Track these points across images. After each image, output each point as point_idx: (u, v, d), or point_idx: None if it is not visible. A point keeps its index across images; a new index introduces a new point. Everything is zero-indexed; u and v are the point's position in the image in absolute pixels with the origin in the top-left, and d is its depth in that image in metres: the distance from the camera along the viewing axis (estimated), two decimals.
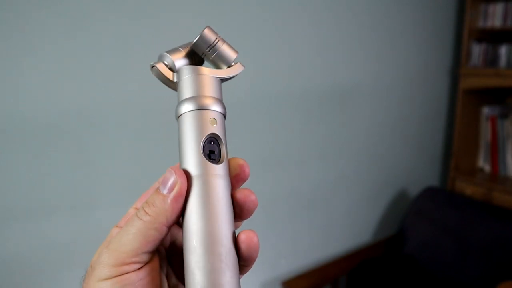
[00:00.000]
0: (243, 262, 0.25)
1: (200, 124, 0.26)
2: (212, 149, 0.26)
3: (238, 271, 0.24)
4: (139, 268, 0.23)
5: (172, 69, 0.28)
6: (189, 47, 0.29)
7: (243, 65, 0.30)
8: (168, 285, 0.27)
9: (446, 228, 1.51)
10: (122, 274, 0.22)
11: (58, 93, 0.93)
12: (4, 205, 0.91)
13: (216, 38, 0.28)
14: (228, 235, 0.24)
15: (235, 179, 0.27)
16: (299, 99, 1.35)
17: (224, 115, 0.28)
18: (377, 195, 1.71)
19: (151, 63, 0.29)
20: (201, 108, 0.26)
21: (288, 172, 1.38)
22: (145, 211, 0.23)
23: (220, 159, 0.26)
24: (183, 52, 0.29)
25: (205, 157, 0.25)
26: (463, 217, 1.49)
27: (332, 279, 1.49)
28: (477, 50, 1.70)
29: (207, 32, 0.28)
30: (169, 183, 0.24)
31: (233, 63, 0.29)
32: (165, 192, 0.24)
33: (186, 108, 0.26)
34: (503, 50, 1.65)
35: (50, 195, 0.96)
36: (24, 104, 0.90)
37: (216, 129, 0.26)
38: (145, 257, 0.23)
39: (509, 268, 1.31)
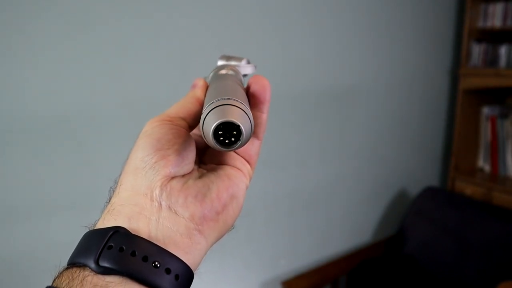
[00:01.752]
0: (254, 98, 0.32)
1: (219, 70, 0.36)
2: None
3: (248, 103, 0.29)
4: (175, 125, 0.31)
5: None
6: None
7: (253, 65, 0.41)
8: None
9: (446, 228, 1.51)
10: (164, 124, 0.31)
11: (58, 93, 0.93)
12: (4, 205, 0.91)
13: (227, 61, 0.39)
14: (240, 89, 0.30)
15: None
16: (299, 99, 1.35)
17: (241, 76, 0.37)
18: (377, 195, 1.71)
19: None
20: (221, 68, 0.37)
21: (288, 172, 1.38)
22: (184, 98, 0.34)
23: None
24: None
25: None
26: (463, 217, 1.49)
27: (332, 279, 1.49)
28: (477, 50, 1.71)
29: (221, 56, 0.40)
30: (196, 83, 0.35)
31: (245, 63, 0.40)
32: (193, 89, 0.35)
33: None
34: (503, 50, 1.66)
35: (50, 195, 0.96)
36: (24, 104, 0.90)
37: (231, 71, 0.36)
38: (181, 122, 0.32)
39: (509, 268, 1.31)
